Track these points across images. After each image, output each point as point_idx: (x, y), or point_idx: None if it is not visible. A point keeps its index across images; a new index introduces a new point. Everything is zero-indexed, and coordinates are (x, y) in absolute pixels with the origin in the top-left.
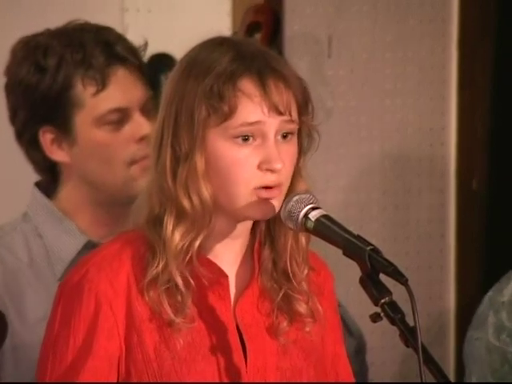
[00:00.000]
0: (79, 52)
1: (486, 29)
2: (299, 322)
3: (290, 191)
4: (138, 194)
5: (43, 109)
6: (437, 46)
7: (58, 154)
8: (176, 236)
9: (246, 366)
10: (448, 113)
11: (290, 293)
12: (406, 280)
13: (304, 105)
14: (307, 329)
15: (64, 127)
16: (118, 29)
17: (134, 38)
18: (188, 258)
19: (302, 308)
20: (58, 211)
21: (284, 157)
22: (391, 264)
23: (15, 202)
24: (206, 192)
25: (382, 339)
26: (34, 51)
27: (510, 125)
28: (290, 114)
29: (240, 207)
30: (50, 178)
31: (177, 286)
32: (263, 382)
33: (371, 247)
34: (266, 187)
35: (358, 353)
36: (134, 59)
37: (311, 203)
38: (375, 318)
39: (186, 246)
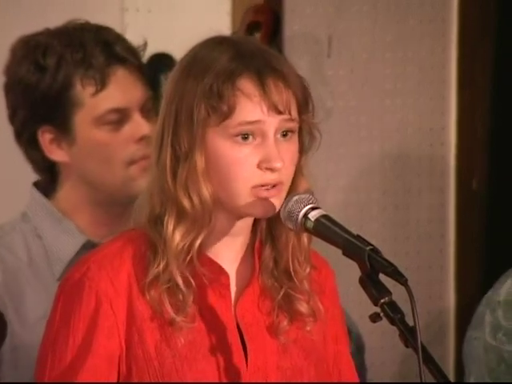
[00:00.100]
0: (79, 52)
1: (485, 29)
2: (300, 321)
3: (292, 190)
4: (136, 194)
5: (43, 108)
6: (437, 46)
7: (57, 154)
8: (177, 236)
9: (247, 364)
10: (448, 113)
11: (291, 292)
12: (406, 280)
13: (304, 103)
14: (308, 328)
15: (63, 127)
16: (118, 29)
17: (134, 37)
18: (189, 257)
19: (302, 307)
20: (56, 211)
21: (284, 155)
22: (391, 264)
23: (14, 201)
24: (206, 191)
25: (381, 339)
26: (33, 50)
27: (510, 125)
28: (290, 113)
29: (240, 206)
30: (48, 178)
31: (177, 285)
32: (264, 381)
33: (371, 247)
34: (266, 186)
35: (356, 353)
36: (133, 59)
37: (311, 203)
38: (375, 318)
39: (186, 245)
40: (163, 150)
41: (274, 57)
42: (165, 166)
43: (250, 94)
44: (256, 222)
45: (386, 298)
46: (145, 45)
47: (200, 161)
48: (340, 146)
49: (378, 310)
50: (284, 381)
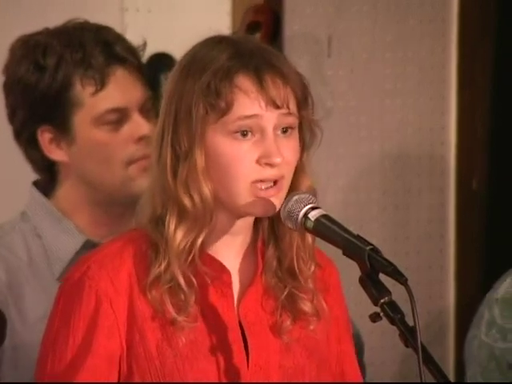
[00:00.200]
0: (79, 52)
1: (486, 29)
2: (303, 320)
3: (294, 187)
4: (136, 194)
5: (42, 108)
6: (437, 46)
7: (56, 154)
8: (178, 235)
9: (248, 363)
10: (448, 112)
11: (295, 291)
12: (406, 280)
13: (303, 99)
14: (311, 327)
15: (63, 126)
16: (118, 29)
17: (134, 37)
18: (190, 257)
19: (306, 307)
20: (56, 210)
21: (284, 151)
22: (391, 264)
23: (14, 201)
24: (207, 190)
25: (381, 339)
26: (33, 50)
27: (510, 125)
28: (288, 107)
29: (240, 205)
30: (48, 178)
31: (179, 285)
32: (265, 381)
33: (371, 247)
34: (265, 182)
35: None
36: (133, 59)
37: (311, 203)
38: (375, 317)
39: (188, 244)
40: (163, 150)
41: (274, 55)
42: (165, 166)
43: (248, 90)
44: (257, 220)
45: (386, 298)
46: (144, 45)
47: (200, 159)
48: (340, 145)
49: (377, 309)
50: (286, 380)
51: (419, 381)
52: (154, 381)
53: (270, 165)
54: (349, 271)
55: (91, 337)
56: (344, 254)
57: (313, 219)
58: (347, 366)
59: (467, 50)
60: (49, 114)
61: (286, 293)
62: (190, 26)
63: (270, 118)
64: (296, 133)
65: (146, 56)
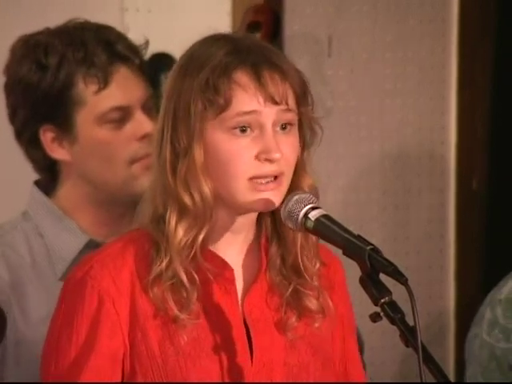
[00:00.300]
0: (81, 50)
1: (486, 29)
2: (309, 317)
3: (295, 186)
4: (138, 193)
5: (44, 107)
6: (437, 46)
7: (58, 153)
8: (179, 231)
9: (252, 361)
10: (448, 112)
11: (300, 288)
12: (406, 280)
13: (302, 96)
14: (316, 324)
15: (65, 125)
16: (118, 29)
17: (134, 37)
18: (192, 253)
19: (311, 304)
20: (57, 209)
21: (283, 147)
22: (391, 264)
23: (15, 200)
24: (206, 186)
25: (381, 339)
26: (33, 49)
27: (510, 125)
28: (287, 103)
29: (240, 201)
30: (49, 177)
31: (181, 282)
32: (269, 381)
33: (371, 247)
34: (265, 178)
35: None
36: (135, 58)
37: (311, 203)
38: (375, 317)
39: (189, 241)
40: (163, 148)
41: (273, 52)
42: (165, 163)
43: (246, 86)
44: (260, 217)
45: (387, 298)
46: (147, 43)
47: (199, 155)
48: (340, 145)
49: (378, 309)
50: (290, 377)
51: (419, 381)
52: (157, 379)
53: (270, 160)
54: (349, 271)
55: (94, 336)
56: (344, 253)
57: (313, 219)
58: (350, 365)
59: (467, 50)
60: (51, 113)
61: (290, 289)
62: (190, 26)
63: (269, 114)
64: (295, 130)
65: (146, 55)
